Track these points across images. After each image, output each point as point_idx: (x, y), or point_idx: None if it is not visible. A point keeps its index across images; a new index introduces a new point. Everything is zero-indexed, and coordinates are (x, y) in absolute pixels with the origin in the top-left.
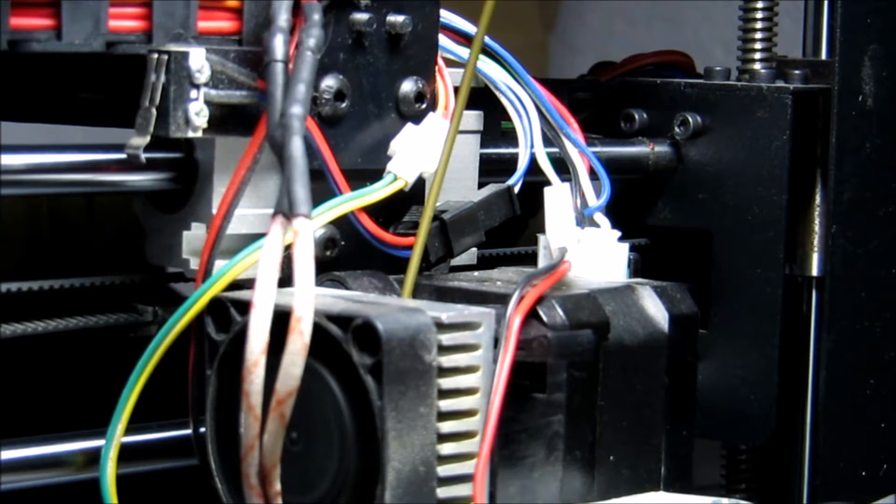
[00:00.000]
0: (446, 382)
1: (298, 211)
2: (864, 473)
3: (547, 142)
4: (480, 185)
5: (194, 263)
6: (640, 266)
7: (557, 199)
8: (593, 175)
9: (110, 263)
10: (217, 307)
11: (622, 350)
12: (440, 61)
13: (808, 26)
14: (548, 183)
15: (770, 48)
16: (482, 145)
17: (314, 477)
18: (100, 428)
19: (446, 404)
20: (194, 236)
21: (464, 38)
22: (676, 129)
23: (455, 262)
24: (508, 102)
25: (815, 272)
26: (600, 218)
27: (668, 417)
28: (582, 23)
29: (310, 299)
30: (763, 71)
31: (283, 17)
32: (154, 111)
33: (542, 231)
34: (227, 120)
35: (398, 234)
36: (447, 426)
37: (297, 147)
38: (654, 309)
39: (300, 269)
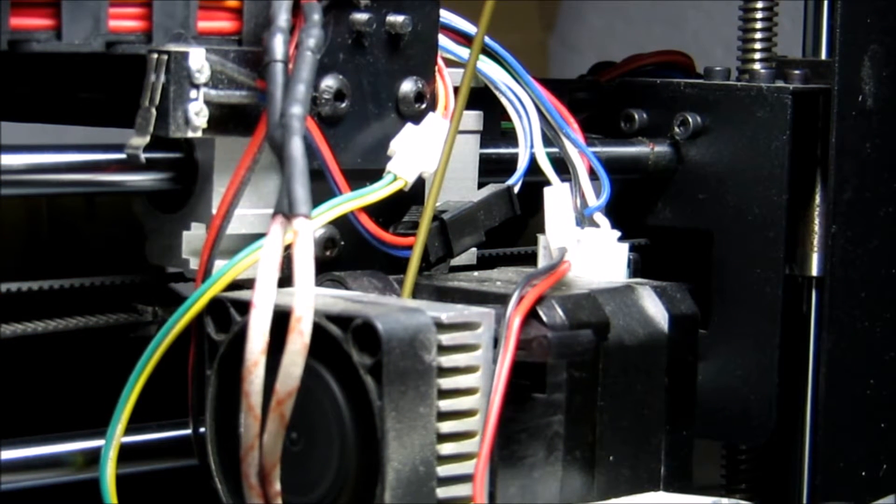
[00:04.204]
0: (446, 382)
1: (298, 211)
2: (864, 473)
3: (547, 142)
4: (480, 185)
5: (194, 263)
6: (640, 266)
7: (557, 199)
8: (593, 175)
9: (110, 263)
10: (217, 307)
11: (622, 350)
12: (440, 61)
13: (808, 26)
14: (548, 183)
15: (770, 48)
16: (482, 145)
17: (314, 477)
18: (100, 428)
19: (446, 404)
20: (194, 236)
21: (464, 38)
22: (676, 129)
23: (455, 262)
24: (508, 102)
25: (815, 272)
26: (600, 218)
27: (668, 417)
28: (582, 23)
29: (310, 299)
30: (763, 71)
31: (283, 17)
32: (154, 111)
33: (542, 231)
34: (227, 120)
35: (398, 234)
36: (447, 426)
37: (296, 147)
38: (654, 309)
39: (300, 269)
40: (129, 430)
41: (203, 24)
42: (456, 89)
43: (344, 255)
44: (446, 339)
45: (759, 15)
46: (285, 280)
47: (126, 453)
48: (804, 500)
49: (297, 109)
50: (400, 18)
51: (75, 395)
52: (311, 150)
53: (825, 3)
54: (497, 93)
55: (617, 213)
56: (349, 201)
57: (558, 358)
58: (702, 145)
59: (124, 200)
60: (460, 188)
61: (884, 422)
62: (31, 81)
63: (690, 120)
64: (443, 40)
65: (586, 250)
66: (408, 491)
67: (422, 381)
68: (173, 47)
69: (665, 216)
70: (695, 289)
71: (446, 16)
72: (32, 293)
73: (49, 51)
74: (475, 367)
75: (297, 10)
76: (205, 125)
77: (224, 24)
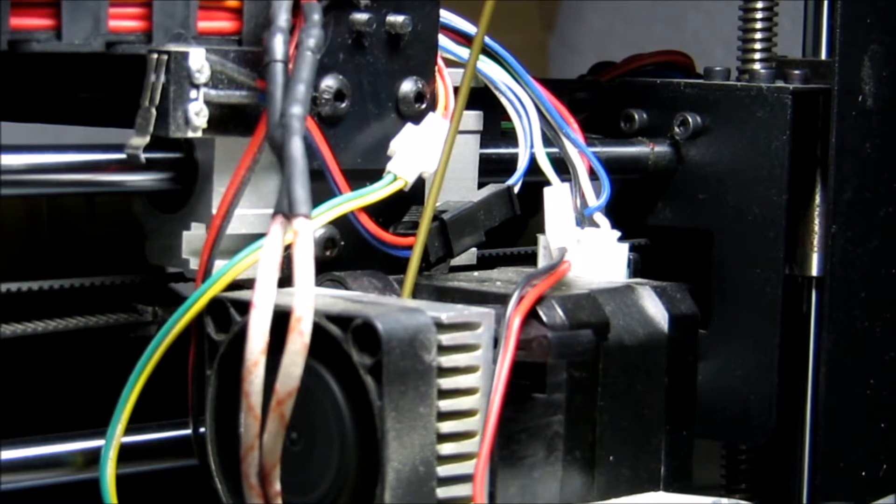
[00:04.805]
0: (446, 382)
1: (298, 211)
2: (864, 473)
3: (547, 142)
4: (480, 185)
5: (194, 263)
6: (640, 266)
7: (557, 199)
8: (593, 175)
9: (110, 263)
10: (217, 307)
11: (622, 350)
12: (440, 61)
13: (808, 26)
14: (548, 183)
15: (770, 48)
16: (482, 145)
17: (314, 477)
18: (100, 428)
19: (446, 404)
20: (194, 236)
21: (464, 38)
22: (676, 129)
23: (455, 262)
24: (508, 102)
25: (815, 272)
26: (600, 218)
27: (668, 417)
28: (582, 23)
29: (310, 299)
30: (763, 71)
31: (283, 17)
32: (154, 111)
33: (542, 231)
34: (227, 120)
35: (398, 234)
36: (447, 426)
37: (296, 147)
38: (654, 309)
39: (300, 269)
40: (129, 430)
41: (203, 24)
42: (456, 89)
43: (344, 255)
44: (446, 339)
45: (759, 15)
46: (285, 280)
47: (126, 453)
48: (804, 500)
49: (297, 109)
50: (400, 18)
51: (75, 395)
52: (311, 150)
53: (825, 3)
54: (497, 93)
55: (617, 213)
56: (349, 201)
57: (558, 358)
58: (702, 145)
59: (124, 200)
60: (460, 188)
61: (884, 422)
62: (31, 81)
63: (690, 120)
64: (443, 40)
65: (586, 250)
66: (408, 491)
67: (422, 381)
68: (173, 47)
69: (665, 216)
70: (695, 289)
71: (446, 16)
72: (32, 293)
73: (49, 51)
74: (475, 367)
75: (297, 10)
76: (205, 125)
77: (224, 24)
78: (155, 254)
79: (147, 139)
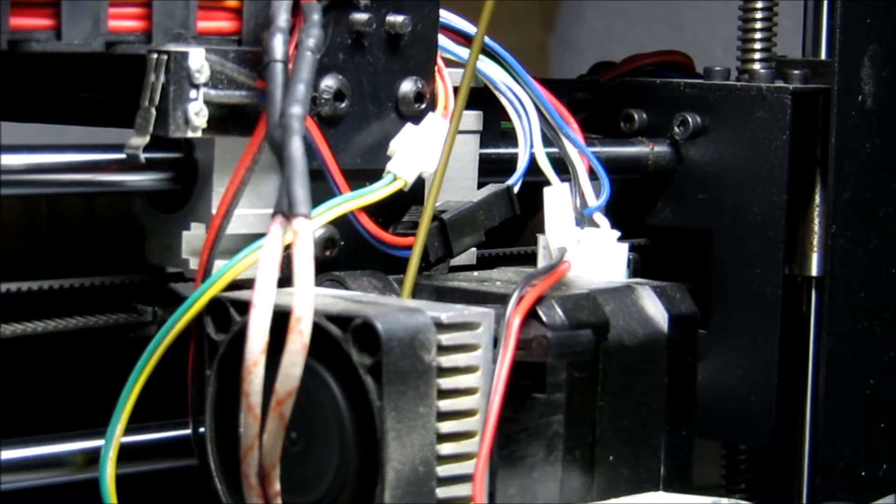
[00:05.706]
0: (446, 382)
1: (298, 211)
2: (864, 473)
3: (547, 142)
4: (480, 185)
5: (194, 263)
6: (640, 266)
7: (557, 199)
8: (593, 175)
9: (110, 263)
10: (217, 307)
11: (622, 350)
12: (440, 61)
13: (807, 26)
14: (547, 183)
15: (770, 48)
16: (482, 145)
17: (314, 477)
18: (100, 428)
19: (446, 404)
20: (194, 236)
21: (464, 38)
22: (676, 129)
23: (455, 262)
24: (508, 102)
25: (815, 272)
26: (600, 218)
27: (668, 417)
28: (582, 23)
29: (310, 299)
30: (763, 71)
31: (282, 17)
32: (153, 111)
33: (542, 231)
34: (227, 120)
35: (398, 234)
36: (447, 426)
37: (296, 147)
38: (654, 309)
39: (300, 269)
40: (129, 430)
41: (203, 24)
42: (456, 89)
43: (344, 255)
44: (446, 339)
45: (758, 15)
46: (285, 280)
47: (126, 453)
48: (804, 500)
49: (296, 109)
50: (400, 18)
51: (75, 395)
52: (310, 150)
53: (825, 3)
54: (497, 93)
55: (617, 213)
56: (349, 201)
57: (558, 358)
58: (702, 145)
59: (124, 200)
60: (460, 188)
61: (884, 422)
62: (31, 81)
63: (690, 120)
64: (443, 40)
65: (586, 250)
66: (408, 491)
67: (421, 381)
68: (173, 47)
69: (665, 216)
70: (695, 289)
71: (446, 16)
72: (32, 293)
73: (49, 51)
74: (475, 367)
75: (297, 10)
76: (204, 125)
77: (224, 24)
78: (155, 254)
79: (147, 139)
